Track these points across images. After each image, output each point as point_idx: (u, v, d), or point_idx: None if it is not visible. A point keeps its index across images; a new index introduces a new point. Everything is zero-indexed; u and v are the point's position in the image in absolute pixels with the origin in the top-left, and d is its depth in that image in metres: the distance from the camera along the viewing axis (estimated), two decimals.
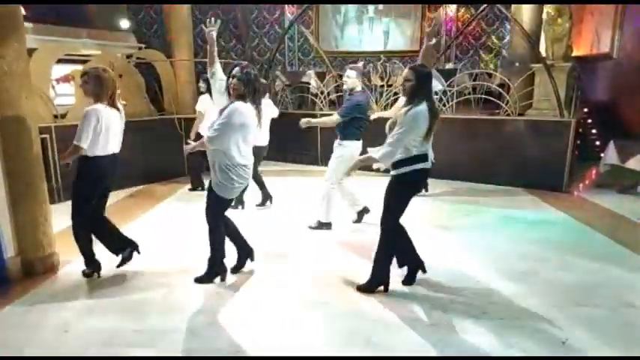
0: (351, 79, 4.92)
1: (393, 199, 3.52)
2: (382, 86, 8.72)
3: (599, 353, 2.86)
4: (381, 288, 3.64)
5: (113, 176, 3.86)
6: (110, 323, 3.20)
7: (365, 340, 3.00)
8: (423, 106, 3.31)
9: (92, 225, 3.90)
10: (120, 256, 3.98)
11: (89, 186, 3.72)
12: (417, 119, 3.28)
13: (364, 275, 3.70)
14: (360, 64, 5.50)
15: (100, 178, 3.74)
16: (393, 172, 3.49)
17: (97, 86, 3.65)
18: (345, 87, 5.16)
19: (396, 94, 8.13)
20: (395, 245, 3.67)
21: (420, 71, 3.40)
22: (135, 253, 4.03)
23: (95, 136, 3.59)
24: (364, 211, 5.36)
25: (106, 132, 3.65)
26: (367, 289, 3.64)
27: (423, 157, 3.42)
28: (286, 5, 13.08)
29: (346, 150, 4.91)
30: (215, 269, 3.81)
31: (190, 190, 6.89)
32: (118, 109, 3.79)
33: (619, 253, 4.52)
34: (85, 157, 3.62)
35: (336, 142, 5.03)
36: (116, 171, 3.85)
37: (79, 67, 7.18)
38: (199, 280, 3.80)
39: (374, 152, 3.44)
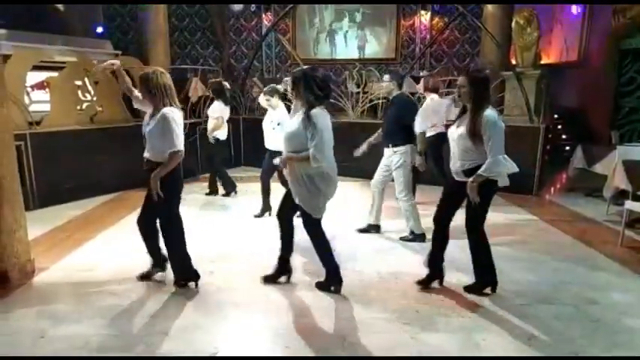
0: (386, 83, 4.96)
1: (483, 203, 3.53)
2: (358, 93, 8.85)
3: (564, 349, 3.00)
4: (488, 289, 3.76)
5: None
6: (86, 329, 3.21)
7: (340, 339, 3.08)
8: (494, 111, 3.42)
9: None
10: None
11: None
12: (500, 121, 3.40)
13: (351, 276, 3.80)
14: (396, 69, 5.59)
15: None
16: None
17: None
18: (382, 93, 5.13)
19: (371, 100, 8.27)
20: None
21: (474, 76, 3.45)
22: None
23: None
24: (376, 227, 5.27)
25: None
26: (476, 290, 3.74)
27: None
28: (263, 13, 13.17)
29: (405, 155, 4.85)
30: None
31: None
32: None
33: (585, 253, 4.71)
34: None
35: (389, 150, 4.91)
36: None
37: (55, 74, 7.14)
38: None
39: (485, 171, 3.38)
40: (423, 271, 3.88)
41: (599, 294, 3.75)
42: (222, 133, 6.81)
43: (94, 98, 7.31)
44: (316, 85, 3.45)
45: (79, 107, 7.18)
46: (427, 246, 4.81)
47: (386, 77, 5.01)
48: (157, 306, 3.55)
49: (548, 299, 3.66)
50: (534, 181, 7.00)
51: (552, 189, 7.45)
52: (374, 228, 5.26)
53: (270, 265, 3.99)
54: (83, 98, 7.24)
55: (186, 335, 3.13)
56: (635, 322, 3.32)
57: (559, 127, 9.78)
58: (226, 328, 3.26)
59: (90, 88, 7.25)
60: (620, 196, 5.75)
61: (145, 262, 3.99)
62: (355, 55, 13.15)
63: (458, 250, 4.08)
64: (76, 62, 7.54)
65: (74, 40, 9.49)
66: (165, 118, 3.46)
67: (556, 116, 9.88)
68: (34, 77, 7.26)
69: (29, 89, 7.06)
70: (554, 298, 3.68)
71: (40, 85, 7.58)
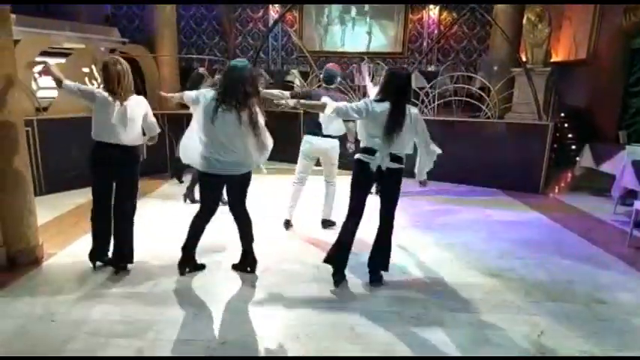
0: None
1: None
2: (365, 86, 8.81)
3: (573, 346, 3.00)
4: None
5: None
6: (96, 314, 3.22)
7: (349, 331, 3.09)
8: (383, 104, 3.45)
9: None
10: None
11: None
12: (368, 109, 3.45)
13: (359, 270, 3.85)
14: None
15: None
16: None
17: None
18: None
19: None
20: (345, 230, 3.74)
21: (390, 70, 3.69)
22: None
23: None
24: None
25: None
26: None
27: (369, 151, 3.54)
28: (270, 4, 13.10)
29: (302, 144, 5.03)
30: None
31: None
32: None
33: (591, 251, 4.70)
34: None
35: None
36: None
37: (62, 60, 7.12)
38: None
39: (331, 104, 3.61)
40: (430, 266, 3.89)
41: (606, 293, 3.75)
42: None
43: (102, 85, 7.27)
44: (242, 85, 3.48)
45: None
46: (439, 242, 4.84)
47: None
48: (165, 293, 3.56)
49: (556, 297, 3.66)
50: (541, 180, 6.99)
51: (559, 187, 7.44)
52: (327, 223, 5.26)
53: (274, 253, 4.00)
54: (90, 85, 7.21)
55: (195, 323, 3.14)
56: None
57: (565, 125, 9.74)
58: (235, 318, 3.26)
59: (97, 75, 7.23)
60: (629, 195, 5.74)
61: (149, 249, 4.01)
62: (362, 45, 13.08)
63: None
64: (83, 49, 7.53)
65: (82, 27, 9.46)
66: None
67: (562, 115, 9.85)
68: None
69: (37, 75, 7.04)
70: (561, 296, 3.68)
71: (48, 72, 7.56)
